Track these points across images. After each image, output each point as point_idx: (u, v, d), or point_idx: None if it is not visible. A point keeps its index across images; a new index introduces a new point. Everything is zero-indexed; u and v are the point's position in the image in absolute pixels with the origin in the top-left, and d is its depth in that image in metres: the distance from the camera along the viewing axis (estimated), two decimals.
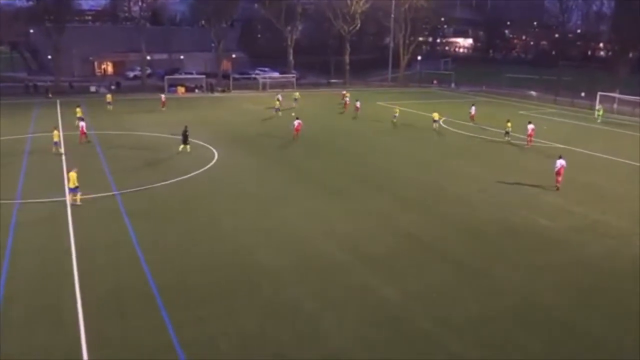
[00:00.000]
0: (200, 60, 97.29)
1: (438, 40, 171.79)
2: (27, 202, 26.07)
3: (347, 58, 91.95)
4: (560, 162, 31.11)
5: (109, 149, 38.10)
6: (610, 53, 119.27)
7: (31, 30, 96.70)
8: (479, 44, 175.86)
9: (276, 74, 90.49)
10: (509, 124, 43.60)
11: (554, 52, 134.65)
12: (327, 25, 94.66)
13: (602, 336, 16.01)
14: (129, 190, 28.24)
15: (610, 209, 27.47)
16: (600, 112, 58.05)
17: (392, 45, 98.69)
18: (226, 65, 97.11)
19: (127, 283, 18.27)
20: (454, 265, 20.51)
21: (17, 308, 16.53)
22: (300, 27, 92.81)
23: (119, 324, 15.82)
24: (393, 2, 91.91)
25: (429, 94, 79.99)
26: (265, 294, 17.86)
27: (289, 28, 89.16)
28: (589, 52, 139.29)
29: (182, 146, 37.06)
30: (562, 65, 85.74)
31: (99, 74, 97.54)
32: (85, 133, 39.81)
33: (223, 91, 77.50)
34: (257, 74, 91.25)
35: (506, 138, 43.27)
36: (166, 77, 76.99)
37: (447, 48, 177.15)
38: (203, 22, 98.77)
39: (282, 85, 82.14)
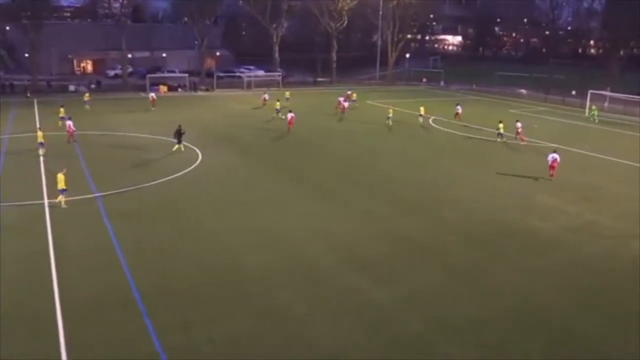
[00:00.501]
0: (183, 58, 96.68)
1: (427, 38, 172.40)
2: (3, 205, 25.66)
3: (334, 56, 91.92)
4: (553, 156, 32.67)
5: (89, 149, 37.68)
6: (601, 50, 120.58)
7: (7, 28, 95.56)
8: (468, 42, 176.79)
9: (261, 72, 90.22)
10: (501, 125, 43.40)
11: (544, 50, 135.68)
12: (314, 22, 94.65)
13: (601, 337, 16.06)
14: (109, 193, 27.93)
15: (605, 209, 27.64)
16: (595, 112, 58.36)
17: (380, 42, 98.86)
18: (210, 63, 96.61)
19: (108, 288, 18.00)
20: (448, 267, 20.48)
21: None
22: (286, 24, 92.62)
23: (100, 331, 15.57)
24: None
25: (418, 93, 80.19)
26: (253, 298, 17.70)
27: (274, 25, 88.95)
28: (580, 50, 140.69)
29: (176, 146, 37.22)
30: (552, 63, 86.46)
31: (78, 72, 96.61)
32: (72, 132, 39.54)
33: (207, 90, 77.11)
34: (241, 72, 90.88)
35: (498, 139, 43.01)
36: (148, 75, 76.30)
37: (436, 46, 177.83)
38: (186, 19, 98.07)
39: (268, 84, 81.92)
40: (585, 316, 17.29)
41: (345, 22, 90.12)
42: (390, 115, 50.22)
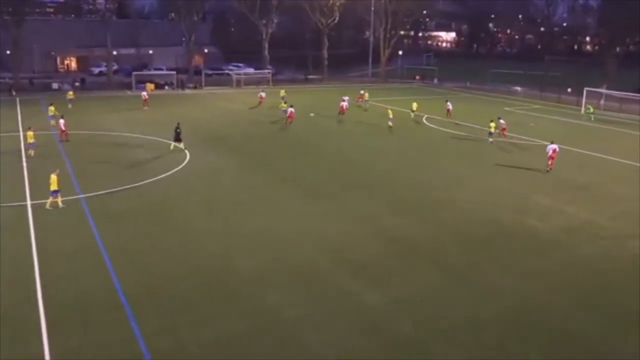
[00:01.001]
0: (170, 56, 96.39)
1: (420, 35, 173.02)
2: None
3: (325, 53, 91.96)
4: (552, 147, 34.60)
5: (74, 149, 37.50)
6: (597, 47, 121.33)
7: None
8: (462, 38, 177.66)
9: (251, 70, 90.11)
10: (492, 124, 43.18)
11: (539, 47, 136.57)
12: (304, 18, 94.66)
13: (600, 337, 16.18)
14: (94, 194, 27.79)
15: (603, 209, 27.81)
16: (591, 110, 58.71)
17: (372, 39, 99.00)
18: (198, 60, 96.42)
19: (94, 291, 17.90)
20: (444, 268, 20.54)
21: None
22: (276, 21, 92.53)
23: (85, 336, 15.48)
24: None
25: (411, 90, 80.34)
26: (243, 300, 17.66)
27: (264, 21, 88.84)
28: (576, 47, 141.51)
29: (173, 144, 37.53)
30: (548, 60, 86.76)
31: (61, 70, 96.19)
32: (65, 131, 39.54)
33: (194, 88, 76.93)
34: (230, 69, 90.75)
35: (490, 139, 42.64)
36: (134, 73, 76.08)
37: (429, 42, 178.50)
38: (173, 15, 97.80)
39: (257, 82, 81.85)
40: (584, 316, 17.39)
41: (337, 18, 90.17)
42: (391, 116, 48.31)
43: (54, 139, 40.15)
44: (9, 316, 16.36)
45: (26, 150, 35.22)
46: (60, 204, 25.60)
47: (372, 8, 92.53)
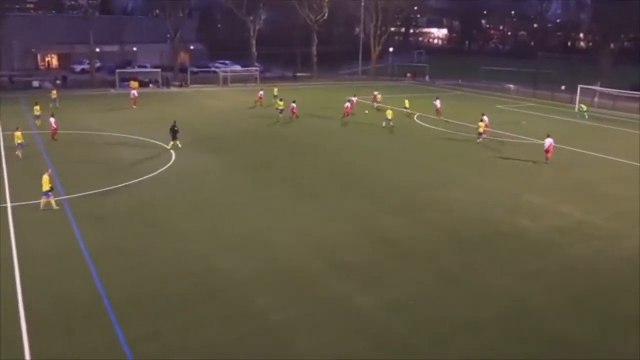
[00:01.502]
0: (154, 53, 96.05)
1: (411, 31, 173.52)
2: None
3: (314, 50, 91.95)
4: (549, 141, 36.55)
5: (56, 149, 37.27)
6: (591, 43, 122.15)
7: None
8: (454, 35, 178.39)
9: (238, 67, 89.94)
10: (482, 124, 42.70)
11: (532, 43, 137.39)
12: (293, 14, 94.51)
13: (595, 340, 16.29)
14: (76, 195, 27.62)
15: (596, 209, 28.02)
16: (585, 109, 59.08)
17: (362, 36, 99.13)
18: (183, 57, 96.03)
19: (76, 296, 17.80)
20: (435, 271, 20.59)
21: None
22: (263, 17, 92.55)
23: (67, 342, 15.40)
24: None
25: (403, 88, 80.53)
26: (230, 305, 17.62)
27: (251, 17, 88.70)
28: (569, 43, 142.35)
29: (171, 142, 37.83)
30: (541, 57, 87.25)
31: (42, 67, 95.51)
32: (56, 130, 39.63)
33: (180, 86, 76.68)
34: (217, 67, 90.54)
35: (478, 140, 42.22)
36: (117, 70, 75.71)
37: (420, 39, 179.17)
38: (157, 11, 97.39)
39: (245, 79, 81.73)
40: (579, 318, 17.51)
41: (326, 14, 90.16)
42: (390, 117, 47.64)
43: (36, 139, 39.88)
44: None
45: (14, 150, 34.97)
46: (54, 205, 25.56)
47: (362, 4, 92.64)
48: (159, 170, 32.70)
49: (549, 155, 36.56)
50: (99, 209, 26.07)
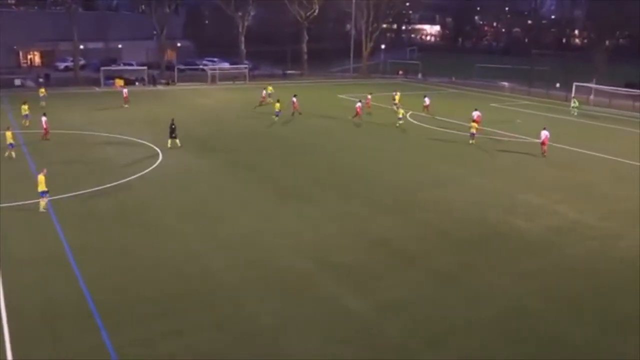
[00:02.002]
0: (140, 50, 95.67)
1: (403, 28, 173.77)
2: None
3: (304, 47, 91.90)
4: (544, 133, 38.61)
5: (40, 149, 37.02)
6: (586, 40, 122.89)
7: None
8: (447, 32, 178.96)
9: (226, 65, 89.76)
10: (475, 124, 42.42)
11: (526, 40, 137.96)
12: (283, 10, 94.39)
13: (592, 341, 16.39)
14: (61, 197, 27.45)
15: (592, 208, 28.20)
16: (576, 104, 59.51)
17: (353, 32, 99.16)
18: (170, 55, 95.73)
19: (61, 301, 17.70)
20: (429, 273, 20.64)
21: None
22: (252, 13, 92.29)
23: (52, 349, 15.30)
24: None
25: (395, 86, 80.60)
26: (220, 310, 17.59)
27: (240, 14, 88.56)
28: (564, 40, 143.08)
29: (170, 141, 37.96)
30: (535, 54, 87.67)
31: (24, 65, 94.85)
32: (47, 129, 39.68)
33: (167, 84, 76.39)
34: (205, 64, 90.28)
35: (470, 141, 41.79)
36: (102, 68, 75.29)
37: (413, 36, 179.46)
38: (143, 6, 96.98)
39: (234, 77, 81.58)
40: (576, 319, 17.62)
41: (317, 10, 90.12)
42: (401, 116, 48.39)
43: (19, 139, 39.53)
44: None
45: (3, 151, 34.76)
46: (42, 206, 25.48)
47: (353, 0, 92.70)
48: (146, 171, 32.58)
49: (545, 148, 38.27)
50: (85, 210, 25.93)
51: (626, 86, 68.18)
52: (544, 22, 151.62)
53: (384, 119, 50.95)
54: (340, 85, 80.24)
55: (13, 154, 34.61)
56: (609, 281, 20.39)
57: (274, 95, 57.31)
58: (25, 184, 29.33)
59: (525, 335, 16.65)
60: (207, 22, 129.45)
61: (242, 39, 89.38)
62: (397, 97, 57.38)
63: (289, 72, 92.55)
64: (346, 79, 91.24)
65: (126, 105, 55.49)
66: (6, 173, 30.81)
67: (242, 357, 15.26)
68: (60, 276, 19.41)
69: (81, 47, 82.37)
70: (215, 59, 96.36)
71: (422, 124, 49.85)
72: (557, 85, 73.13)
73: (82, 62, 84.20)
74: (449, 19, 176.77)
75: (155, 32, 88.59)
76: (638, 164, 37.23)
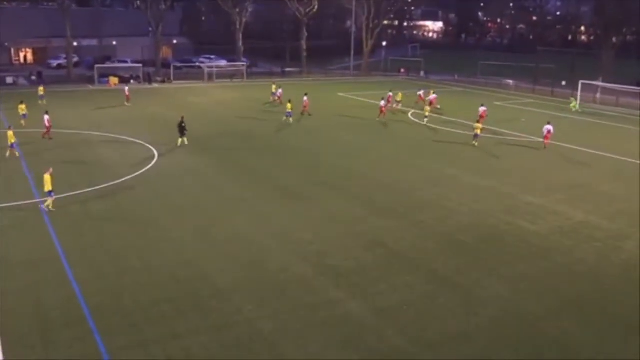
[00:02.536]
0: (135, 47, 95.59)
1: (405, 24, 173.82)
2: None
3: (304, 44, 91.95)
4: (547, 127, 40.72)
5: (33, 149, 37.07)
6: (592, 37, 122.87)
7: None
8: (450, 28, 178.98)
9: (224, 62, 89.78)
10: (479, 125, 41.77)
11: (531, 37, 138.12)
12: (281, 7, 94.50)
13: (592, 348, 16.46)
14: (54, 198, 27.51)
15: (596, 209, 28.29)
16: (574, 104, 59.63)
17: (354, 29, 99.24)
18: (166, 52, 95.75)
19: (54, 305, 17.79)
20: (428, 275, 20.74)
21: None
22: (250, 9, 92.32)
23: (45, 354, 15.39)
24: None
25: (396, 84, 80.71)
26: (215, 313, 17.68)
27: (237, 10, 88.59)
28: (570, 37, 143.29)
29: (180, 139, 38.62)
30: (540, 51, 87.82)
31: (16, 62, 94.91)
32: (50, 128, 39.94)
33: (163, 82, 76.48)
34: (201, 62, 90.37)
35: (474, 143, 41.25)
36: (96, 66, 75.39)
37: (415, 33, 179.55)
38: (138, 2, 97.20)
39: (231, 75, 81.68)
40: (575, 323, 17.71)
41: (316, 7, 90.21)
42: (428, 114, 49.40)
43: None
44: None
45: (6, 150, 34.97)
46: (51, 206, 25.81)
47: None
48: (141, 171, 32.65)
49: (547, 141, 40.38)
50: (80, 211, 26.02)
51: (634, 84, 68.21)
52: (549, 18, 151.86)
53: (384, 120, 51.03)
54: (341, 84, 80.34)
55: (16, 153, 34.90)
56: (613, 284, 20.48)
57: (284, 95, 57.57)
58: (18, 184, 29.49)
59: (525, 339, 16.76)
60: (203, 18, 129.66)
61: (240, 35, 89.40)
62: (399, 96, 57.72)
63: (288, 69, 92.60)
64: (346, 77, 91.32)
65: (128, 104, 55.72)
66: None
67: None
68: (53, 279, 19.49)
69: (75, 44, 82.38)
70: (212, 57, 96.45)
71: (421, 122, 49.87)
72: (563, 83, 73.25)
73: (75, 59, 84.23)
74: (452, 15, 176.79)
75: (150, 29, 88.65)
76: None
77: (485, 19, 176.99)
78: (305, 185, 31.13)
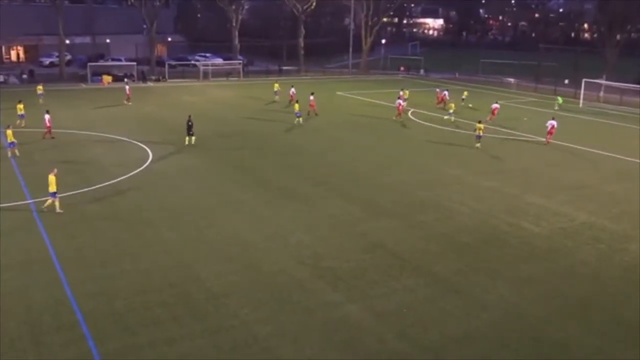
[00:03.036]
0: (129, 45, 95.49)
1: (405, 22, 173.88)
2: None
3: (301, 42, 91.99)
4: (551, 123, 41.93)
5: (25, 149, 36.95)
6: (596, 35, 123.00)
7: None
8: (450, 26, 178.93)
9: (219, 60, 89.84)
10: (481, 126, 40.93)
11: (533, 34, 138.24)
12: (278, 3, 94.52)
13: (595, 351, 16.44)
14: (46, 198, 27.45)
15: (599, 210, 28.29)
16: (560, 101, 59.78)
17: (352, 27, 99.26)
18: (161, 50, 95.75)
19: (46, 309, 17.73)
20: (428, 278, 20.72)
21: None
22: (246, 6, 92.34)
23: (36, 356, 15.33)
24: None
25: (396, 83, 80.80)
26: (210, 317, 17.64)
27: (233, 7, 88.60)
28: (573, 34, 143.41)
29: (187, 138, 39.01)
30: (542, 49, 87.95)
31: (7, 60, 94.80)
32: (50, 127, 40.07)
33: (157, 80, 76.49)
34: (197, 60, 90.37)
35: (477, 144, 40.62)
36: (89, 64, 75.38)
37: (415, 30, 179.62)
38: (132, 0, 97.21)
39: (227, 73, 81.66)
40: (578, 326, 17.70)
41: (314, 3, 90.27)
42: (452, 111, 50.39)
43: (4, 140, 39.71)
44: None
45: (7, 149, 35.05)
46: (57, 207, 25.79)
47: None
48: (135, 172, 32.60)
49: (550, 137, 41.53)
50: (72, 213, 25.92)
51: (638, 82, 68.27)
52: (551, 15, 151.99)
53: (381, 118, 51.05)
54: (339, 82, 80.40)
55: (17, 151, 34.98)
56: (616, 286, 20.49)
57: (280, 93, 57.74)
58: (8, 185, 29.41)
59: (528, 342, 16.75)
60: (199, 15, 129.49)
61: (236, 33, 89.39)
62: (406, 93, 58.13)
63: (285, 68, 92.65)
64: (345, 75, 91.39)
65: (129, 103, 55.79)
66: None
67: None
68: (45, 281, 19.44)
69: (67, 41, 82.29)
70: (208, 55, 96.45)
71: (422, 122, 49.90)
72: (566, 81, 73.37)
73: (68, 57, 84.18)
74: (452, 13, 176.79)
75: (144, 26, 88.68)
76: None
77: (486, 16, 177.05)
78: (304, 186, 31.10)
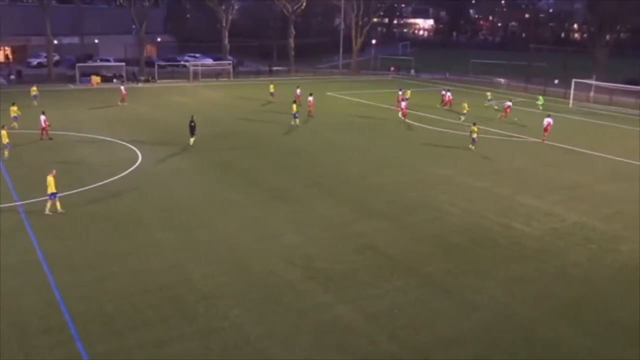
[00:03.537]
0: (118, 45, 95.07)
1: (395, 22, 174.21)
2: None
3: (291, 42, 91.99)
4: (547, 120, 42.69)
5: (17, 151, 36.73)
6: (585, 35, 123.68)
7: None
8: (441, 26, 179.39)
9: (209, 61, 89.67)
10: (475, 129, 40.33)
11: (524, 35, 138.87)
12: (268, 4, 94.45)
13: (587, 353, 16.49)
14: (34, 200, 27.31)
15: (591, 211, 28.41)
16: (541, 101, 60.08)
17: (343, 27, 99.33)
18: (150, 50, 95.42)
19: (34, 312, 17.62)
20: (420, 279, 20.73)
21: None
22: (236, 6, 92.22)
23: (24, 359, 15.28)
24: None
25: (386, 83, 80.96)
26: (200, 319, 17.58)
27: (223, 7, 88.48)
28: (563, 34, 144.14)
29: (191, 139, 39.41)
30: (533, 49, 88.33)
31: None
32: (46, 128, 39.95)
33: (147, 81, 76.24)
34: (186, 60, 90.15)
35: (471, 147, 40.08)
36: (77, 64, 75.06)
37: (405, 30, 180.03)
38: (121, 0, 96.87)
39: (217, 74, 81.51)
40: (570, 327, 17.76)
41: (304, 4, 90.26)
42: (465, 111, 51.21)
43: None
44: None
45: (3, 150, 34.82)
46: (59, 208, 25.71)
47: None
48: (123, 173, 32.46)
49: (546, 135, 42.25)
50: (58, 215, 25.77)
51: (627, 82, 68.70)
52: (541, 15, 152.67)
53: (373, 118, 51.08)
54: (330, 82, 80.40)
55: (6, 153, 34.70)
56: (608, 287, 20.58)
57: (255, 91, 57.64)
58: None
59: (519, 343, 16.80)
60: (188, 16, 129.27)
61: (226, 33, 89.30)
62: (407, 93, 58.39)
63: (276, 68, 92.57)
64: (335, 75, 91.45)
65: (123, 103, 55.58)
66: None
67: None
68: (33, 284, 19.32)
69: (55, 42, 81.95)
70: (198, 55, 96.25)
71: (414, 122, 49.97)
72: (556, 81, 73.71)
73: (56, 57, 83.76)
74: (442, 13, 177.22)
75: (134, 27, 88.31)
76: (639, 163, 37.58)
77: (476, 16, 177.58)
78: (296, 187, 31.06)
